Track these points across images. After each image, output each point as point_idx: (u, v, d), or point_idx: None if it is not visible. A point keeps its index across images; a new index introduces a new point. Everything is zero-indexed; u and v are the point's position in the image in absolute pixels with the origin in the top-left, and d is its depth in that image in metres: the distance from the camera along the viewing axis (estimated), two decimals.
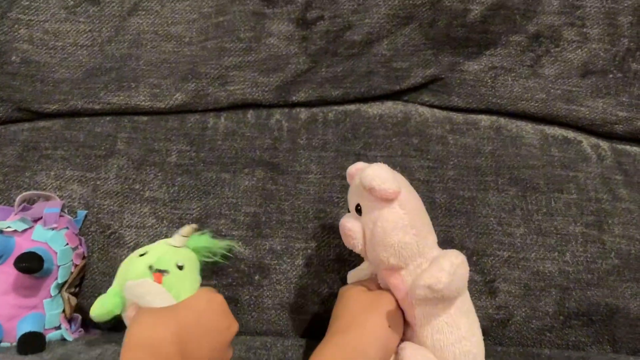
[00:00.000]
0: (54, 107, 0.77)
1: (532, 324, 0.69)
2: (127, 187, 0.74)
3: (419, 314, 0.51)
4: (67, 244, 0.68)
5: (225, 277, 0.70)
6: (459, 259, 0.48)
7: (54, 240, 0.67)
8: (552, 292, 0.69)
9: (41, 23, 0.75)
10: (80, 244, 0.70)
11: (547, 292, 0.69)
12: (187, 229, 0.64)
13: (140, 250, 0.62)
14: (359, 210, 0.53)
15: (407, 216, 0.50)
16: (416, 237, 0.50)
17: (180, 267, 0.60)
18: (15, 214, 0.69)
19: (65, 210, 0.72)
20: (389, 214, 0.50)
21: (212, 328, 0.51)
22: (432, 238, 0.53)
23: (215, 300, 0.54)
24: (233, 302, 0.69)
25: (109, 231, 0.72)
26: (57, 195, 0.73)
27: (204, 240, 0.67)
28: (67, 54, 0.76)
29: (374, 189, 0.49)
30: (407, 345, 0.51)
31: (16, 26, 0.75)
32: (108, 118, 0.78)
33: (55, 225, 0.68)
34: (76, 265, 0.69)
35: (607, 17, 0.75)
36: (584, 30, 0.75)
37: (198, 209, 0.72)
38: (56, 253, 0.66)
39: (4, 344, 0.65)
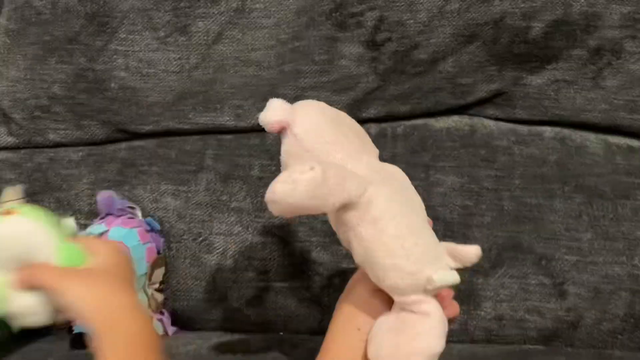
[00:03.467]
0: (148, 127, 0.85)
1: (603, 326, 0.71)
2: (215, 198, 0.80)
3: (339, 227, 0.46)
4: (139, 240, 0.74)
5: (306, 280, 0.75)
6: (308, 174, 0.40)
7: (128, 237, 0.73)
8: (622, 295, 0.71)
9: (136, 53, 0.83)
10: (152, 241, 0.76)
11: (617, 295, 0.71)
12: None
13: None
14: None
15: (298, 142, 0.46)
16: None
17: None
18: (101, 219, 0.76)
19: (156, 219, 0.79)
20: (282, 144, 0.47)
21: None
22: (358, 157, 0.47)
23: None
24: (316, 304, 0.75)
25: (200, 238, 0.78)
26: (153, 207, 0.80)
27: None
28: (159, 80, 0.83)
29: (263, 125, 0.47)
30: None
31: (115, 56, 0.83)
32: (196, 137, 0.85)
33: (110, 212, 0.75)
34: (148, 260, 0.74)
35: None
36: None
37: (279, 218, 0.78)
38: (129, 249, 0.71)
39: None
